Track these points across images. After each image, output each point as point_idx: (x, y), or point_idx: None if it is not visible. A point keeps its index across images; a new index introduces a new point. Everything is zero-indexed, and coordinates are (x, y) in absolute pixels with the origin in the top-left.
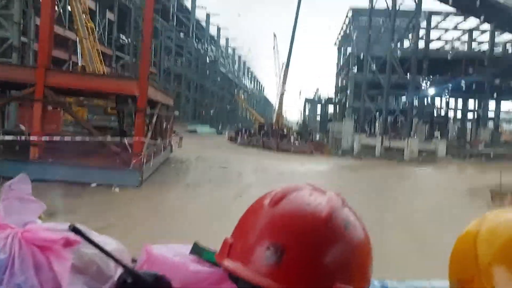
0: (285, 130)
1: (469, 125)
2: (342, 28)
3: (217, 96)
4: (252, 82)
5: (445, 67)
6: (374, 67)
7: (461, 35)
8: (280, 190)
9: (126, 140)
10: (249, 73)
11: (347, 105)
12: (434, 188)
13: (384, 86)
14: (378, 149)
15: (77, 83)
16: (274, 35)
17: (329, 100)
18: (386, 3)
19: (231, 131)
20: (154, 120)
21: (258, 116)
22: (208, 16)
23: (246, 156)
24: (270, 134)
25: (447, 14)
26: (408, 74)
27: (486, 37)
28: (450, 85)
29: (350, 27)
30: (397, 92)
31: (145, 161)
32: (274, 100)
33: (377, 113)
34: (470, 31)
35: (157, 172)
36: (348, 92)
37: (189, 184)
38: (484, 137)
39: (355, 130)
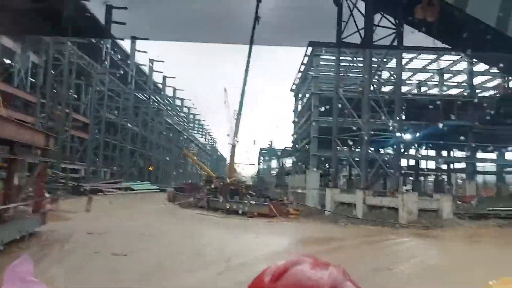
0: (238, 185)
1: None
2: (299, 70)
3: (162, 149)
4: (204, 136)
5: (418, 111)
6: (349, 107)
7: (432, 76)
8: (281, 265)
9: None
10: (200, 126)
11: (310, 155)
12: None
13: (363, 130)
14: (360, 209)
15: None
16: (225, 90)
17: (286, 151)
18: (360, 35)
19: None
20: None
21: (209, 170)
22: (151, 61)
23: (179, 224)
24: (218, 190)
25: (419, 51)
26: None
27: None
28: (424, 131)
29: (311, 63)
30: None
31: None
32: (227, 155)
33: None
34: (441, 70)
35: None
36: (312, 137)
37: None
38: (471, 192)
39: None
